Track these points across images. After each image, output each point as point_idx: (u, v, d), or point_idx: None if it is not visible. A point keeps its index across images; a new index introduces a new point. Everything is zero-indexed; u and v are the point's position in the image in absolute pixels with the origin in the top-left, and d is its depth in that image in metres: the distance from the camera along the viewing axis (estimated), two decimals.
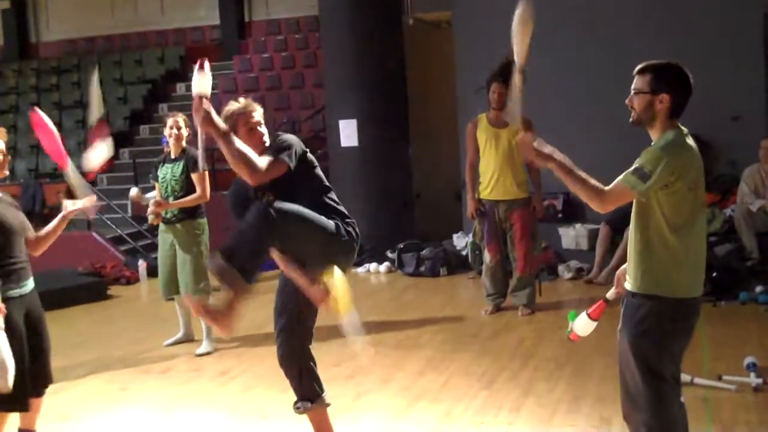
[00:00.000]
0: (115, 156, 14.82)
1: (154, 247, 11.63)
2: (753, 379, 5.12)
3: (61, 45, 19.85)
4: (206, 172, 6.77)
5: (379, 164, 10.77)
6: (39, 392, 4.53)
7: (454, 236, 10.38)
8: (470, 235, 8.96)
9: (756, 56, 8.60)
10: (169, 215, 6.80)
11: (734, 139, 8.58)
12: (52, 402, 5.47)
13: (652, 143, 3.43)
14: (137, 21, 19.22)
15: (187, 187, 6.74)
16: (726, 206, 8.26)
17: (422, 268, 9.77)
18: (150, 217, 6.79)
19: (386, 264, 10.20)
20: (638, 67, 3.44)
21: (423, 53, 11.82)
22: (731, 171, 8.57)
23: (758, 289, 7.36)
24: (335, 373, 6.02)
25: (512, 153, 7.26)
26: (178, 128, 6.78)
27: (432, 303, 8.37)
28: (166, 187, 6.79)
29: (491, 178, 7.33)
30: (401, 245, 10.11)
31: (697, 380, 5.18)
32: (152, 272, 10.63)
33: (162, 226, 6.84)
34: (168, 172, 6.80)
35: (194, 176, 6.72)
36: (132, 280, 10.51)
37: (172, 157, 6.83)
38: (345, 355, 6.42)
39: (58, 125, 16.78)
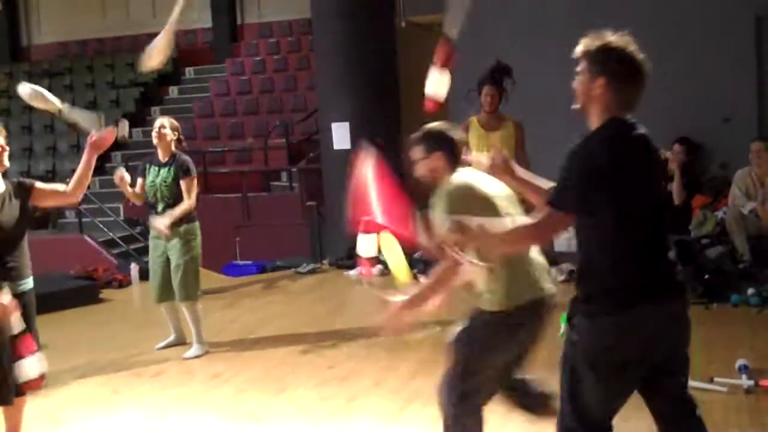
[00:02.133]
0: (107, 159, 14.82)
1: (146, 250, 11.51)
2: (744, 381, 5.14)
3: (53, 48, 19.82)
4: (195, 179, 6.74)
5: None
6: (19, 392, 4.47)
7: None
8: None
9: (747, 59, 8.64)
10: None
11: (726, 141, 8.62)
12: (43, 405, 5.48)
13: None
14: (129, 23, 19.18)
15: (176, 194, 6.67)
16: (718, 208, 8.28)
17: (415, 270, 9.75)
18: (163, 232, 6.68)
19: (379, 266, 10.19)
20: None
21: (415, 56, 11.77)
22: (723, 173, 8.61)
23: (750, 291, 7.37)
24: (328, 376, 6.02)
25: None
26: (162, 127, 6.71)
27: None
28: (155, 192, 6.73)
29: None
30: None
31: (688, 382, 5.18)
32: (144, 275, 10.57)
33: (153, 232, 6.79)
34: (157, 177, 6.73)
35: (183, 183, 6.65)
36: (124, 283, 10.48)
37: (161, 160, 6.74)
38: (338, 358, 6.44)
39: (50, 128, 16.81)
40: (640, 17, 9.00)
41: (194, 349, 6.79)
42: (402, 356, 6.40)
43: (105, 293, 9.95)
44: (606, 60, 2.98)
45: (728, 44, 8.66)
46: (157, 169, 6.75)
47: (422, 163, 3.78)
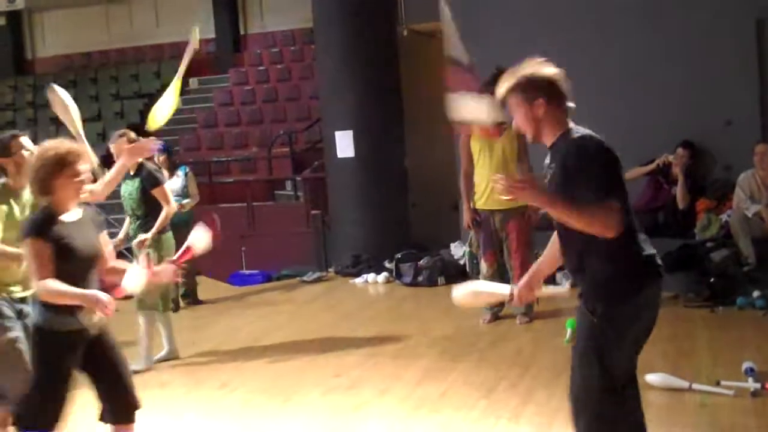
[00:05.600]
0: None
1: None
2: (751, 384, 5.13)
3: (57, 60, 19.92)
4: (165, 186, 6.75)
5: (376, 175, 10.79)
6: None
7: (452, 245, 10.39)
8: (467, 244, 8.98)
9: (749, 61, 8.63)
10: (132, 233, 6.77)
11: (729, 144, 8.60)
12: None
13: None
14: (133, 35, 19.28)
15: (146, 205, 6.66)
16: (722, 211, 8.26)
17: (420, 278, 9.77)
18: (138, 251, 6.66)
19: (384, 274, 10.21)
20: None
21: (417, 63, 11.84)
22: (727, 176, 8.59)
23: (755, 294, 7.36)
24: (334, 384, 6.03)
25: (506, 162, 7.31)
26: (130, 141, 6.57)
27: (430, 312, 8.38)
28: (127, 205, 6.75)
29: (486, 187, 7.34)
30: (399, 255, 10.11)
31: (695, 386, 5.19)
32: None
33: (129, 243, 6.76)
34: (126, 190, 6.75)
35: (155, 192, 6.64)
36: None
37: (130, 172, 6.69)
38: (345, 366, 6.45)
39: None
40: (641, 22, 9.01)
41: (139, 362, 6.65)
42: (408, 364, 6.41)
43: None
44: (534, 84, 3.31)
45: (730, 47, 8.65)
46: (126, 181, 6.77)
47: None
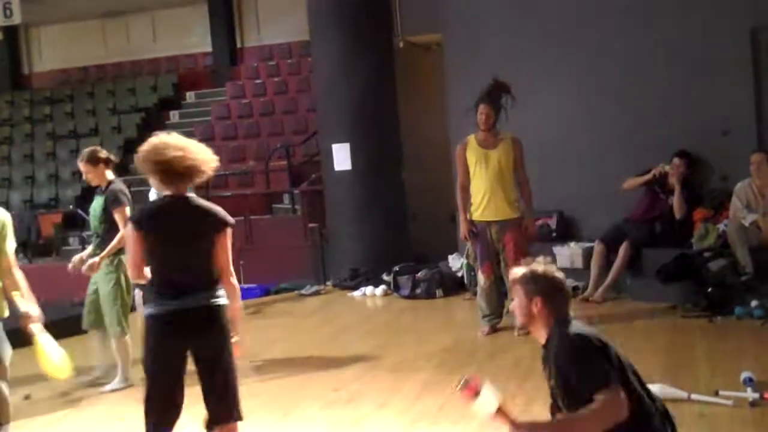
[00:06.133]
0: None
1: None
2: (750, 394, 5.12)
3: (54, 75, 19.94)
4: (126, 208, 6.42)
5: (373, 187, 10.80)
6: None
7: (450, 257, 10.39)
8: (464, 255, 8.98)
9: (744, 70, 8.65)
10: (91, 251, 6.65)
11: (725, 153, 8.61)
12: None
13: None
14: (130, 49, 19.32)
15: (106, 224, 6.49)
16: (719, 221, 8.27)
17: (418, 290, 9.77)
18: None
19: (382, 287, 10.20)
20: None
21: (414, 76, 11.88)
22: (723, 185, 8.60)
23: (753, 303, 7.36)
24: (333, 398, 6.02)
25: (502, 173, 7.32)
26: (101, 160, 6.55)
27: (428, 325, 8.37)
28: (91, 223, 6.69)
29: (482, 198, 7.35)
30: (397, 268, 10.11)
31: (693, 396, 5.18)
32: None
33: (90, 260, 6.57)
34: (92, 206, 6.68)
35: (115, 212, 6.41)
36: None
37: (102, 188, 6.60)
38: (343, 380, 6.43)
39: (52, 155, 16.87)
40: (636, 33, 9.03)
41: (115, 382, 6.62)
42: (406, 377, 6.40)
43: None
44: (537, 282, 3.50)
45: (725, 56, 8.67)
46: (96, 197, 6.69)
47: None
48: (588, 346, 3.34)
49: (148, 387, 4.12)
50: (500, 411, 3.36)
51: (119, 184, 6.60)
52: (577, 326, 3.46)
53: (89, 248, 6.83)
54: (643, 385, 3.44)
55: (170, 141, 4.15)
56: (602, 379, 3.24)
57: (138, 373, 6.98)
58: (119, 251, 6.41)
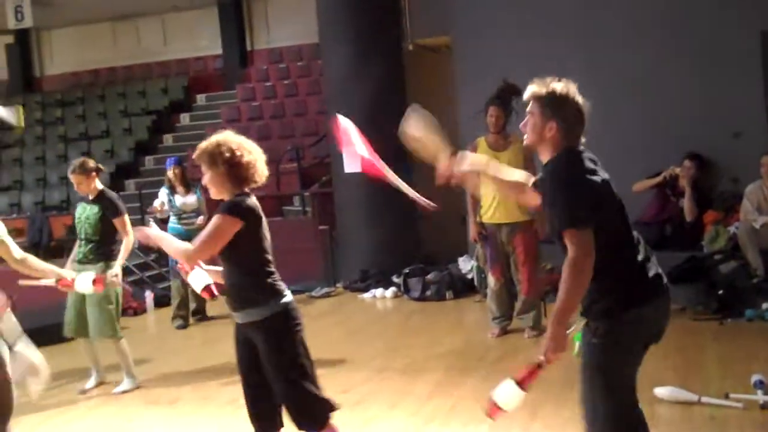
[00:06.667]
0: (120, 187, 14.92)
1: (161, 277, 11.67)
2: (761, 397, 5.11)
3: (65, 78, 20.03)
4: (126, 215, 6.67)
5: (383, 189, 10.77)
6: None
7: (460, 259, 10.39)
8: (474, 258, 8.98)
9: (755, 73, 8.64)
10: (80, 256, 6.67)
11: (736, 155, 8.60)
12: None
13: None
14: (140, 52, 19.39)
15: (102, 231, 6.61)
16: (730, 223, 8.26)
17: (428, 293, 9.78)
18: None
19: (392, 289, 10.22)
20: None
21: (423, 78, 11.88)
22: (734, 188, 8.59)
23: (764, 306, 7.35)
24: (343, 400, 5.97)
25: None
26: (91, 170, 6.68)
27: (438, 327, 8.38)
28: (81, 228, 6.72)
29: (492, 201, 7.35)
30: (407, 270, 10.12)
31: (704, 399, 5.18)
32: (159, 303, 10.67)
33: (77, 266, 6.56)
34: (83, 213, 6.72)
35: (117, 221, 6.61)
36: (139, 311, 10.53)
37: (90, 197, 6.71)
38: (354, 381, 6.44)
39: (64, 158, 16.94)
40: (647, 36, 9.03)
41: (124, 384, 6.71)
42: (417, 379, 6.41)
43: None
44: (556, 105, 3.36)
45: (735, 59, 8.67)
46: (84, 205, 6.76)
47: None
48: (579, 185, 3.29)
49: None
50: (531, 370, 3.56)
51: (112, 193, 6.84)
52: (580, 163, 3.37)
53: (74, 253, 6.81)
54: (629, 228, 3.47)
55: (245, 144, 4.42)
56: (573, 221, 3.23)
57: (142, 374, 7.07)
58: (110, 257, 6.61)
